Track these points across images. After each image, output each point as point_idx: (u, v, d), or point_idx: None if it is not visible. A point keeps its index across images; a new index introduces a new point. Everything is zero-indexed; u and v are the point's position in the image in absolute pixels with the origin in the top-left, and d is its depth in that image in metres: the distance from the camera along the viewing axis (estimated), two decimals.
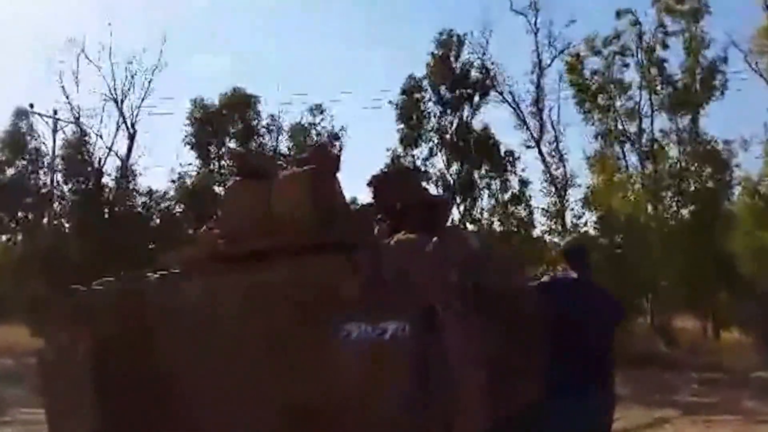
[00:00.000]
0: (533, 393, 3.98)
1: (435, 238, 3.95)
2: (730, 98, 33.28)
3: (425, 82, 20.43)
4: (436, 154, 20.10)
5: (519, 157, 20.06)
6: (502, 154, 20.06)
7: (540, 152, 19.62)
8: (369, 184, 4.74)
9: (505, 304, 3.85)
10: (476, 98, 20.39)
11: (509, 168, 19.95)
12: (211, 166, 21.64)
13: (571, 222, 18.61)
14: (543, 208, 19.25)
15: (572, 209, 19.08)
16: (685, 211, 18.36)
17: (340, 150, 20.39)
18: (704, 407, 10.95)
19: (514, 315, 3.92)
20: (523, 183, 19.95)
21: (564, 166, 19.62)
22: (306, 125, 21.24)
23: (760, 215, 18.42)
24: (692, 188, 18.20)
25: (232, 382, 3.73)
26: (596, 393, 3.88)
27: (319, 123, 21.34)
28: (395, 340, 3.40)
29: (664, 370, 14.36)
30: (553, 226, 18.87)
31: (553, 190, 19.25)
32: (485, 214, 19.68)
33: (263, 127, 21.87)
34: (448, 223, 5.24)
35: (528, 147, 19.94)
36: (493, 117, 31.33)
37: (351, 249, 3.86)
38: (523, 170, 20.13)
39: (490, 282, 3.84)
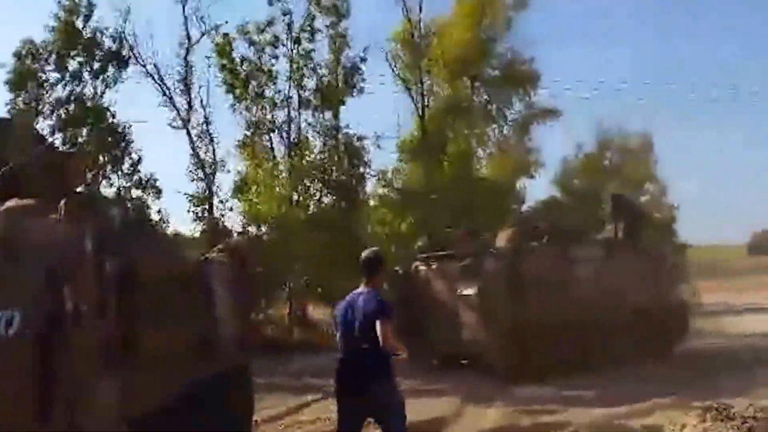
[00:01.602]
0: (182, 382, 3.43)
1: (62, 203, 3.05)
2: (373, 95, 36.23)
3: (48, 48, 17.77)
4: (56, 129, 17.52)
5: (129, 139, 18.46)
6: (118, 131, 18.28)
7: (188, 134, 18.58)
8: None
9: (155, 284, 3.16)
10: (110, 69, 18.39)
11: (124, 147, 18.28)
12: None
13: (218, 209, 18.10)
14: (190, 195, 18.24)
15: (218, 196, 18.49)
16: (327, 201, 19.23)
17: None
18: None
19: (168, 296, 3.25)
20: (137, 161, 18.48)
21: (213, 151, 18.88)
22: None
23: (393, 205, 20.37)
24: (333, 179, 19.14)
25: None
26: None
27: None
28: None
29: (303, 356, 14.69)
30: (200, 213, 18.11)
31: (202, 175, 18.41)
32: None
33: None
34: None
35: (174, 127, 18.73)
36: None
37: None
38: (140, 150, 18.68)
39: (140, 259, 3.10)
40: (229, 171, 19.01)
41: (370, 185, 20.90)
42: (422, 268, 12.50)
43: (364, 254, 5.20)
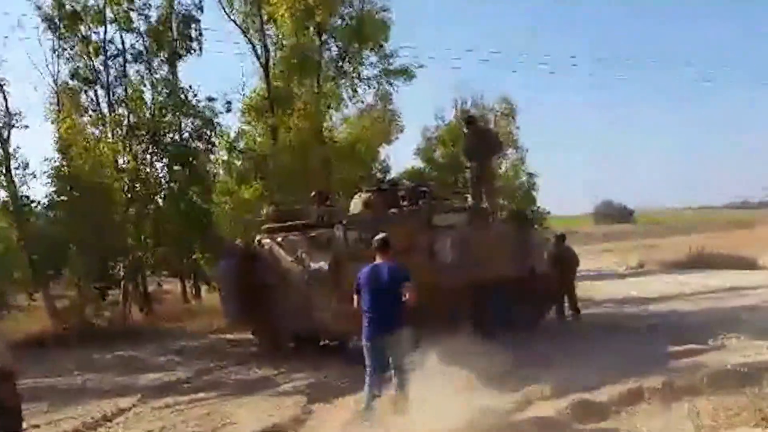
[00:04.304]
0: None
1: None
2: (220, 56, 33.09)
3: None
4: None
5: None
6: None
7: None
8: None
9: None
10: None
11: None
12: None
13: (17, 175, 14.95)
14: None
15: (15, 156, 15.22)
16: (160, 165, 16.87)
17: None
18: (188, 384, 9.48)
19: None
20: None
21: (5, 101, 15.49)
22: None
23: (239, 173, 18.27)
24: (169, 140, 16.76)
25: None
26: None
27: None
28: None
29: (140, 345, 12.58)
30: None
31: None
32: None
33: None
34: None
35: None
36: None
37: None
38: None
39: None
40: (27, 126, 15.66)
41: (215, 152, 18.52)
42: (267, 240, 10.84)
43: (377, 238, 6.70)
